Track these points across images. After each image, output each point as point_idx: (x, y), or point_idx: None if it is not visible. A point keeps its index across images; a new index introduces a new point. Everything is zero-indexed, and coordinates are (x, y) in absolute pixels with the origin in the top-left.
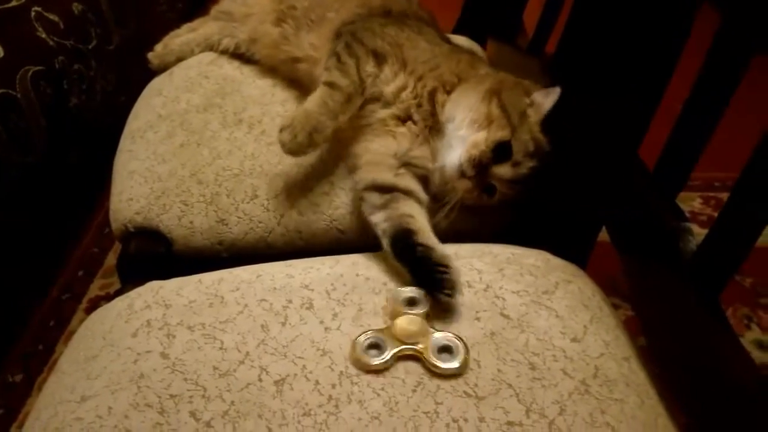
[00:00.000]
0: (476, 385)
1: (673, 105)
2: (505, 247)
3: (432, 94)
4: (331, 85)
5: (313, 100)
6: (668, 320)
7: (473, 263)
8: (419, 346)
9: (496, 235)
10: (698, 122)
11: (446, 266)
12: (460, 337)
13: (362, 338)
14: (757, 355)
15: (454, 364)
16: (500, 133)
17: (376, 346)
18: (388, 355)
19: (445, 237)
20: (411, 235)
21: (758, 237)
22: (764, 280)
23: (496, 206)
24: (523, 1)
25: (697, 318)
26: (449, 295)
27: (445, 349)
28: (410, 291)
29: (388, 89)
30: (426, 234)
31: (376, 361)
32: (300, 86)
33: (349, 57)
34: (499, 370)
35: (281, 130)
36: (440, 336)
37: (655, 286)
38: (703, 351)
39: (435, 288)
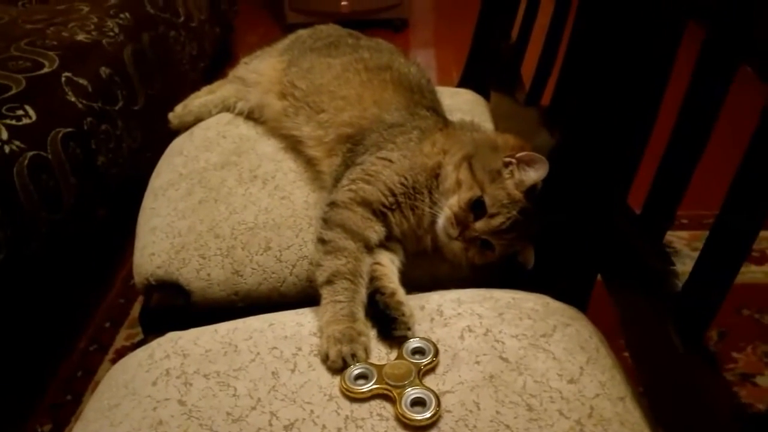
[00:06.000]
0: (475, 426)
1: (654, 150)
2: (506, 292)
3: (428, 185)
4: (331, 282)
5: (325, 314)
6: (656, 359)
7: (474, 308)
8: (396, 391)
9: (499, 281)
10: (680, 162)
11: (400, 309)
12: (437, 396)
13: (353, 368)
14: None
15: (424, 415)
16: (469, 194)
17: (364, 377)
18: (367, 387)
19: (449, 284)
20: (374, 280)
21: (735, 276)
22: None
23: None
24: (520, 57)
25: (683, 357)
26: (397, 332)
27: (419, 402)
28: (417, 341)
29: (396, 230)
30: (387, 279)
31: (354, 387)
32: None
33: (346, 239)
34: (497, 412)
35: (324, 361)
36: (415, 390)
37: (643, 326)
38: (688, 389)
39: (388, 326)
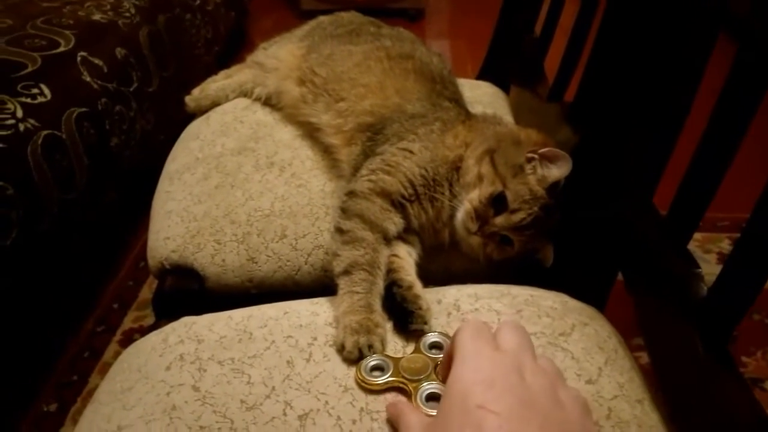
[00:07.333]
0: None
1: (683, 152)
2: (523, 289)
3: (449, 178)
4: (349, 272)
5: (342, 305)
6: (678, 363)
7: (492, 304)
8: (411, 385)
9: (517, 277)
10: (709, 167)
11: (417, 302)
12: None
13: (369, 359)
14: None
15: (434, 412)
16: (490, 188)
17: (379, 369)
18: (382, 379)
19: (465, 278)
20: (390, 272)
21: (763, 284)
22: None
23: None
24: (544, 51)
25: (705, 363)
26: (414, 325)
27: (435, 397)
28: (435, 336)
29: (415, 222)
30: (404, 272)
31: (370, 378)
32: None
33: (364, 229)
34: None
35: (340, 351)
36: (431, 384)
37: (665, 330)
38: (709, 394)
39: (405, 320)
